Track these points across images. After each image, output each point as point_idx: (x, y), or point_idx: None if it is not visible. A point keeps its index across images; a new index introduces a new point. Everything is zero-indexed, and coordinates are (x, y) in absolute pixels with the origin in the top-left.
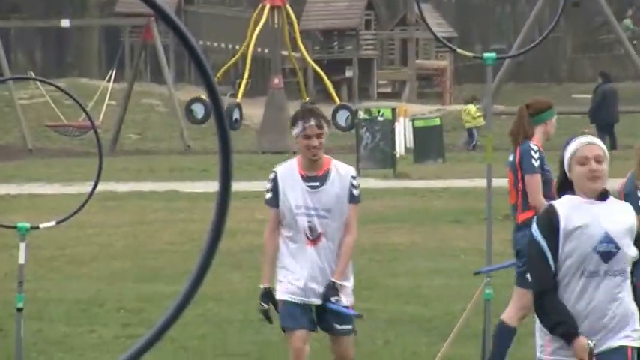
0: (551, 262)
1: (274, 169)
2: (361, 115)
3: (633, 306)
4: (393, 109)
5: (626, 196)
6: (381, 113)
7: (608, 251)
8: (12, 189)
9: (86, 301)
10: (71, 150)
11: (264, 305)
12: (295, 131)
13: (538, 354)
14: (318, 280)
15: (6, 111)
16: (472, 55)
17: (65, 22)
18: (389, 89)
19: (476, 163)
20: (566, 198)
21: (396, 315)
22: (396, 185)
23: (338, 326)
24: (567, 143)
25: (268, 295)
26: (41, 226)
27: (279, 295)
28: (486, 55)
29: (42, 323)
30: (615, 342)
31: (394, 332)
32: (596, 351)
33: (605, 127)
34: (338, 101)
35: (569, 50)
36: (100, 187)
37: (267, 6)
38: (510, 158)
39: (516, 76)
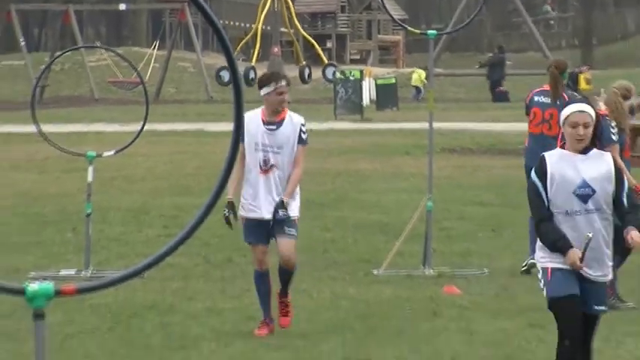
0: (545, 198)
1: (245, 115)
2: (337, 75)
3: (609, 239)
4: (361, 71)
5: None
6: (352, 74)
7: (585, 194)
8: (82, 127)
9: (136, 210)
10: (126, 99)
11: (226, 213)
12: (267, 90)
13: (539, 265)
14: (269, 200)
15: (79, 71)
16: (419, 31)
17: (122, 6)
18: (358, 57)
19: (421, 110)
20: (557, 151)
21: (362, 221)
22: (362, 127)
23: (286, 229)
24: (567, 104)
25: (231, 205)
26: (104, 154)
27: (242, 212)
28: (429, 31)
29: (104, 225)
30: (597, 279)
31: (361, 233)
32: (583, 274)
33: (495, 83)
34: (326, 61)
35: (489, 29)
36: (147, 127)
37: None
38: (547, 100)
39: (451, 47)
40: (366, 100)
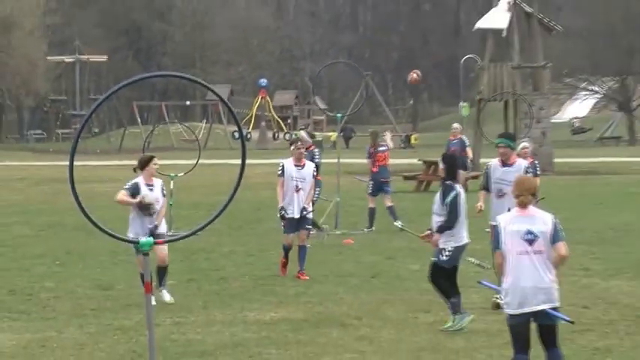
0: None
1: (282, 162)
2: (293, 136)
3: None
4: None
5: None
6: (299, 135)
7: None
8: (167, 162)
9: (195, 203)
10: (189, 148)
11: (282, 212)
12: (293, 147)
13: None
14: (296, 207)
15: (166, 134)
16: (332, 114)
17: (187, 102)
18: (303, 127)
19: (334, 153)
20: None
21: None
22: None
23: (306, 226)
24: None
25: (282, 208)
26: (178, 174)
27: (285, 213)
28: (338, 115)
29: (179, 210)
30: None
31: None
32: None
33: (347, 138)
34: (285, 130)
35: (367, 113)
36: (199, 162)
37: (260, 97)
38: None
39: (348, 121)
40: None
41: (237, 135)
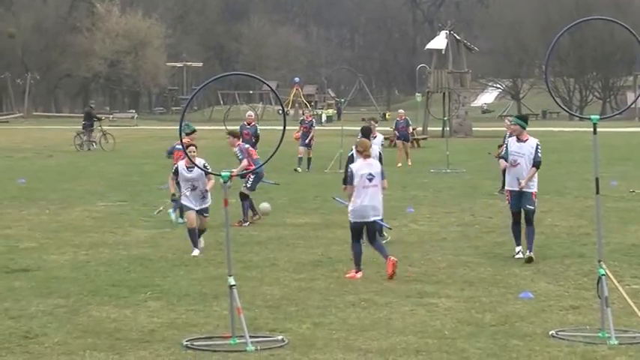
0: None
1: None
2: (314, 112)
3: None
4: (321, 112)
5: None
6: (317, 113)
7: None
8: (235, 126)
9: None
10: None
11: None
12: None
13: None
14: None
15: (237, 110)
16: (338, 100)
17: (250, 91)
18: (322, 107)
19: (338, 123)
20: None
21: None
22: (322, 128)
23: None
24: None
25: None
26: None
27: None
28: (342, 99)
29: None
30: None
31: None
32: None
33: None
34: (309, 108)
35: (359, 99)
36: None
37: (295, 88)
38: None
39: (349, 104)
40: (323, 120)
41: (280, 112)
